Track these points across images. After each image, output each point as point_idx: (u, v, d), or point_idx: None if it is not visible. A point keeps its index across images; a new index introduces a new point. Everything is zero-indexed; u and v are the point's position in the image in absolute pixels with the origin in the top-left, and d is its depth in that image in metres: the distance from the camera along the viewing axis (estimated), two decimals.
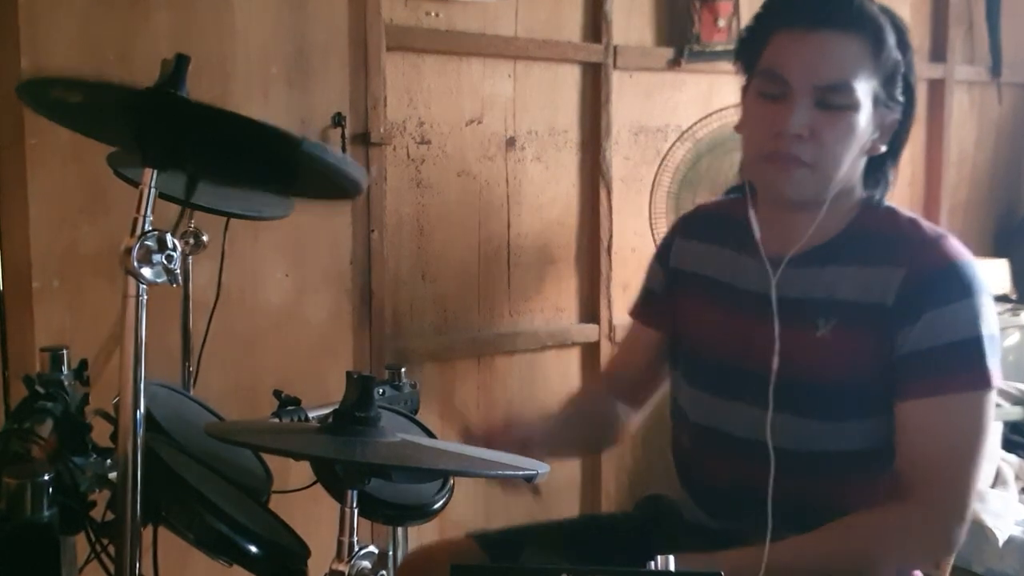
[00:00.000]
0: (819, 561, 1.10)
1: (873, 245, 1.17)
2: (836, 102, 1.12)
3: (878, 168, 1.21)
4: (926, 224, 1.19)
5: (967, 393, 1.10)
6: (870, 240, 1.17)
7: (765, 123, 1.15)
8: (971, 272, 1.12)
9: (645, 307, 1.43)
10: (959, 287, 1.11)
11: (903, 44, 1.16)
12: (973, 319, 1.10)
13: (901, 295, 1.11)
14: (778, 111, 1.13)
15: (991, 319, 1.12)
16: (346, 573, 0.90)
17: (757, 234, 1.21)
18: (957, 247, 1.14)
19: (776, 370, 1.16)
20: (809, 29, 1.12)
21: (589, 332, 2.43)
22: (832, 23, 1.12)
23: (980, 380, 1.10)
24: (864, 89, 1.12)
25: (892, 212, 1.21)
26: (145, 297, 0.87)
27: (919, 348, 1.10)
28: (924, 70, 2.99)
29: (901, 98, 1.16)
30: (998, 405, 2.49)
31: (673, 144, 2.36)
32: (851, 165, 1.16)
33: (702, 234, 1.35)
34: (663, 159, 2.37)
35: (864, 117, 1.13)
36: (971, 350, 1.09)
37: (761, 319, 1.19)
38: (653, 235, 2.37)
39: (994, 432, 2.49)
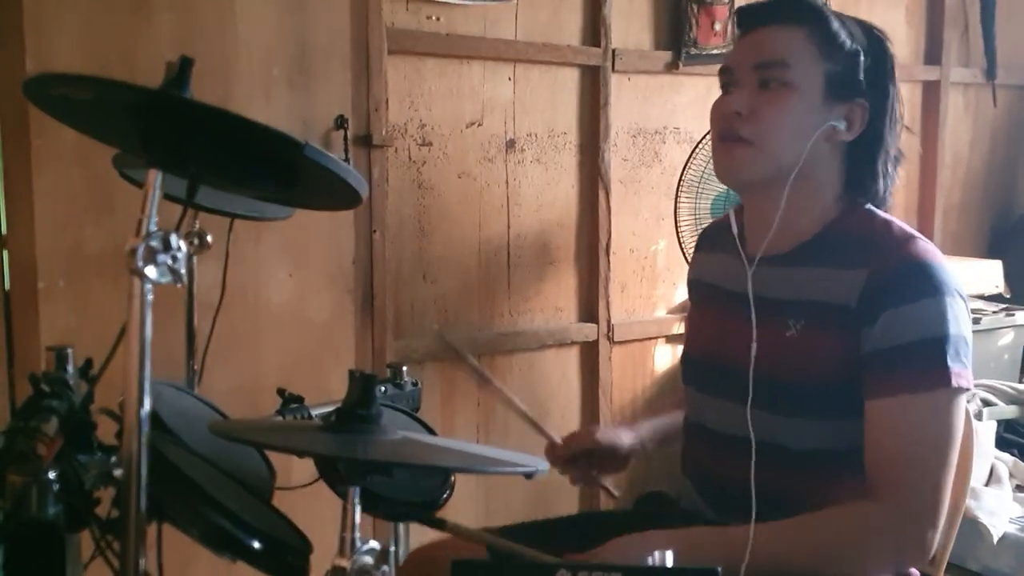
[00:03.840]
0: (787, 552, 1.10)
1: (844, 247, 1.18)
2: (773, 78, 1.17)
3: (859, 168, 1.21)
4: (898, 226, 1.19)
5: (928, 393, 1.08)
6: (842, 242, 1.19)
7: (717, 111, 1.22)
8: (933, 273, 1.11)
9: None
10: (919, 287, 1.10)
11: (872, 45, 1.20)
12: (934, 319, 1.09)
13: (863, 295, 1.12)
14: (726, 98, 1.21)
15: (957, 320, 1.10)
16: (348, 569, 0.90)
17: (735, 228, 1.26)
18: (923, 248, 1.14)
19: (742, 365, 1.18)
20: (754, 29, 1.21)
21: (588, 331, 2.44)
22: (772, 20, 1.20)
23: (940, 380, 1.08)
24: (806, 70, 1.17)
25: (869, 214, 1.21)
26: (150, 297, 0.88)
27: (879, 347, 1.10)
28: (919, 72, 3.01)
29: (869, 93, 1.18)
30: (993, 404, 2.50)
31: (697, 145, 2.39)
32: (800, 147, 1.16)
33: (709, 244, 1.42)
34: (688, 160, 2.39)
35: (808, 98, 1.17)
36: (931, 350, 1.08)
37: (738, 317, 1.22)
38: (679, 236, 2.40)
39: (986, 431, 2.49)
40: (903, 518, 1.08)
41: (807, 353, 1.16)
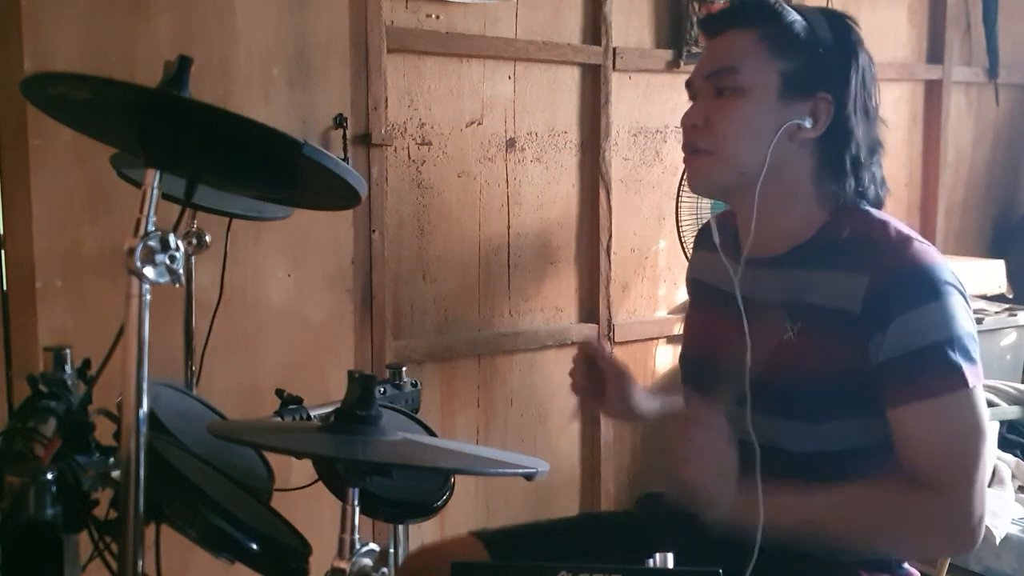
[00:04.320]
0: (833, 518, 1.10)
1: (842, 249, 1.17)
2: (726, 85, 1.18)
3: (830, 163, 1.19)
4: (894, 228, 1.18)
5: (946, 396, 1.09)
6: (839, 244, 1.18)
7: (682, 124, 1.24)
8: (935, 275, 1.11)
9: None
10: (923, 291, 1.10)
11: (837, 35, 1.18)
12: (941, 322, 1.09)
13: (867, 303, 1.11)
14: (687, 110, 1.23)
15: (961, 319, 1.10)
16: (347, 571, 0.91)
17: (716, 238, 1.27)
18: (922, 251, 1.13)
19: (739, 367, 1.18)
20: (710, 40, 1.23)
21: (588, 331, 2.44)
22: (723, 28, 1.21)
23: (956, 382, 1.09)
24: (758, 72, 1.16)
25: (865, 215, 1.20)
26: (148, 297, 0.88)
27: (892, 356, 1.10)
28: (921, 71, 3.01)
29: (833, 85, 1.16)
30: (995, 404, 2.49)
31: None
32: (760, 150, 1.16)
33: (706, 243, 1.40)
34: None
35: (762, 101, 1.16)
36: (942, 353, 1.09)
37: (734, 318, 1.21)
38: (680, 236, 2.40)
39: (990, 429, 2.49)
40: (953, 514, 1.09)
41: (805, 356, 1.15)
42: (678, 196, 2.40)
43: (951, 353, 1.09)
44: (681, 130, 1.23)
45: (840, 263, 1.16)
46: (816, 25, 1.18)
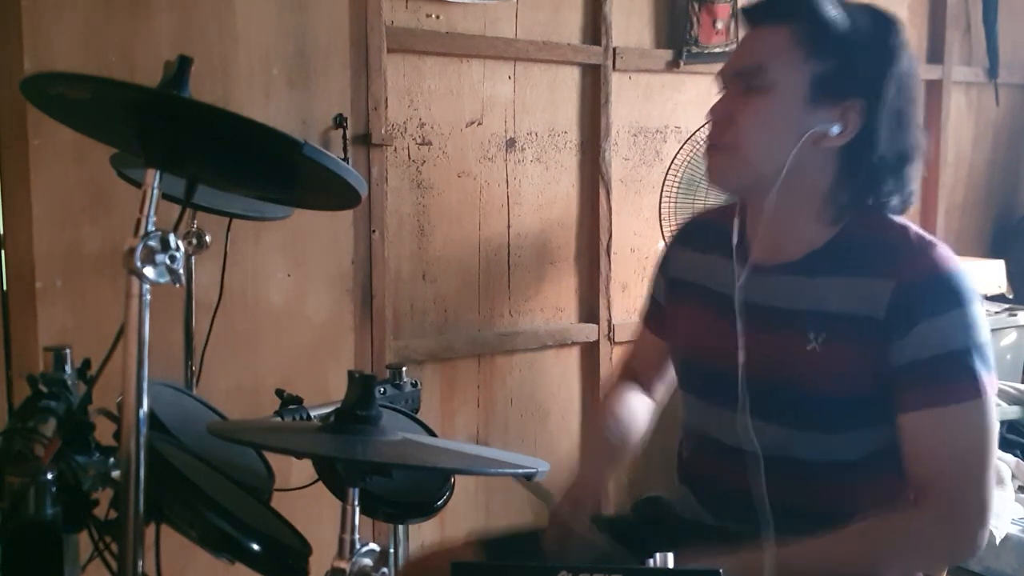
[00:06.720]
0: (833, 566, 1.08)
1: (862, 255, 1.14)
2: (752, 84, 1.14)
3: (854, 173, 1.15)
4: (915, 232, 1.15)
5: (963, 403, 1.08)
6: (859, 250, 1.15)
7: (707, 117, 1.21)
8: (960, 282, 1.10)
9: (651, 316, 1.44)
10: (949, 298, 1.09)
11: (877, 35, 1.13)
12: (964, 329, 1.08)
13: (892, 308, 1.09)
14: (714, 104, 1.20)
15: (982, 327, 1.10)
16: (347, 571, 0.90)
17: (734, 238, 1.22)
18: (946, 256, 1.12)
19: (751, 376, 1.16)
20: (748, 32, 1.20)
21: (588, 331, 2.44)
22: (759, 21, 1.18)
23: (974, 390, 1.08)
24: (787, 73, 1.12)
25: (884, 219, 1.17)
26: (148, 297, 0.88)
27: (913, 360, 1.08)
28: (921, 71, 2.99)
29: (866, 90, 1.12)
30: (995, 404, 2.50)
31: (683, 145, 2.38)
32: (781, 154, 1.12)
33: (697, 243, 1.34)
34: (672, 162, 2.38)
35: (788, 102, 1.12)
36: (963, 361, 1.08)
37: (748, 326, 1.18)
38: (664, 236, 2.39)
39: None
40: (956, 524, 1.09)
41: (832, 367, 1.13)
42: (674, 199, 2.38)
43: (972, 361, 1.08)
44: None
45: (861, 269, 1.13)
46: (858, 24, 1.12)
